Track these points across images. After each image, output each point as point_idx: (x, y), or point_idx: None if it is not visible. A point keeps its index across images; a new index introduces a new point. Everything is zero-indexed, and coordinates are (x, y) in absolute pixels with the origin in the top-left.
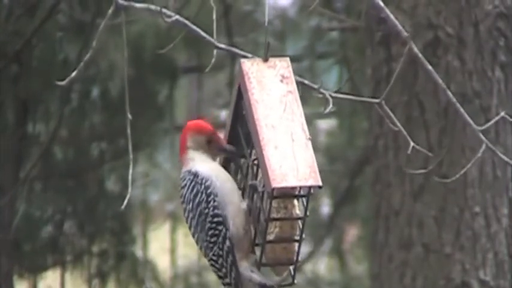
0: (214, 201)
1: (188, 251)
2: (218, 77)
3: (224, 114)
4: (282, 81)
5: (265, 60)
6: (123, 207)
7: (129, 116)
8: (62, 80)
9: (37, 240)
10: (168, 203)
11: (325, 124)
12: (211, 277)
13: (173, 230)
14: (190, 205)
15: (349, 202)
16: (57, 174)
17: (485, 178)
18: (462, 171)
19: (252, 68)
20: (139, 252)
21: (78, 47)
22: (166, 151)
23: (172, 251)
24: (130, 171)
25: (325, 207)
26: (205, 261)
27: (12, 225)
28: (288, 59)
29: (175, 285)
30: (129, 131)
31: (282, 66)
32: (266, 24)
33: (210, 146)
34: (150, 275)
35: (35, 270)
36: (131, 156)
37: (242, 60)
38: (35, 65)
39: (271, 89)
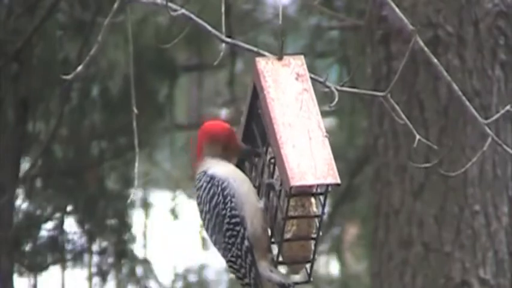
0: (231, 202)
1: (188, 249)
2: (218, 75)
3: (224, 113)
4: (297, 79)
5: (280, 58)
6: (129, 200)
7: (135, 110)
8: (62, 79)
9: (37, 238)
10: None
11: (325, 123)
12: (211, 275)
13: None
14: (207, 207)
15: (349, 201)
16: (57, 173)
17: (485, 177)
18: (462, 170)
19: (267, 67)
20: (139, 251)
21: (78, 45)
22: (166, 150)
23: (173, 249)
24: (136, 164)
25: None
26: (205, 259)
27: (12, 223)
28: (302, 57)
29: (175, 283)
30: (135, 124)
31: (297, 64)
32: (280, 22)
33: (227, 152)
34: (150, 274)
35: (35, 268)
36: (137, 149)
37: (257, 58)
38: (35, 63)
39: (287, 87)
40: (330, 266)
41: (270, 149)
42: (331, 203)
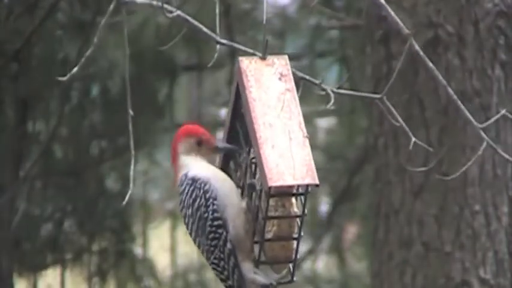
0: (214, 204)
1: (188, 249)
2: (218, 75)
3: (223, 113)
4: (280, 79)
5: (264, 58)
6: (124, 202)
7: (131, 113)
8: (62, 79)
9: (37, 238)
10: (168, 201)
11: (324, 122)
12: (211, 275)
13: (173, 228)
14: (190, 210)
15: (348, 200)
16: (57, 173)
17: (485, 177)
18: (462, 170)
19: (250, 66)
20: (139, 251)
21: (78, 45)
22: (166, 149)
23: (172, 249)
24: (132, 167)
25: (324, 205)
26: (204, 259)
27: (12, 223)
28: (286, 56)
29: (174, 283)
30: (130, 127)
31: (281, 64)
32: (264, 22)
33: (201, 147)
34: (150, 273)
35: (35, 268)
36: (133, 152)
37: (240, 58)
38: (35, 63)
39: (269, 87)
40: (329, 266)
41: (252, 149)
42: (331, 202)
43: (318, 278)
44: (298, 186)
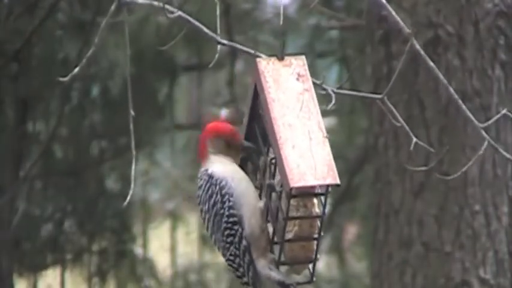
0: (230, 201)
1: (188, 249)
2: (218, 75)
3: (224, 113)
4: (298, 79)
5: (281, 58)
6: (125, 203)
7: (132, 113)
8: (62, 79)
9: (37, 238)
10: (168, 201)
11: (325, 122)
12: (211, 275)
13: (173, 229)
14: (206, 206)
15: (348, 200)
16: (57, 173)
17: (485, 176)
18: (463, 170)
19: (268, 67)
20: (139, 251)
21: (78, 45)
22: (166, 149)
23: (172, 249)
24: (133, 167)
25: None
26: (204, 259)
27: (12, 223)
28: (303, 57)
29: (174, 283)
30: (131, 127)
31: (298, 64)
32: (281, 23)
33: (231, 149)
34: (150, 274)
35: (35, 268)
36: (134, 152)
37: (258, 59)
38: (35, 63)
39: (288, 88)
40: (330, 266)
41: (271, 150)
42: (331, 202)
43: (318, 278)
44: (319, 186)
